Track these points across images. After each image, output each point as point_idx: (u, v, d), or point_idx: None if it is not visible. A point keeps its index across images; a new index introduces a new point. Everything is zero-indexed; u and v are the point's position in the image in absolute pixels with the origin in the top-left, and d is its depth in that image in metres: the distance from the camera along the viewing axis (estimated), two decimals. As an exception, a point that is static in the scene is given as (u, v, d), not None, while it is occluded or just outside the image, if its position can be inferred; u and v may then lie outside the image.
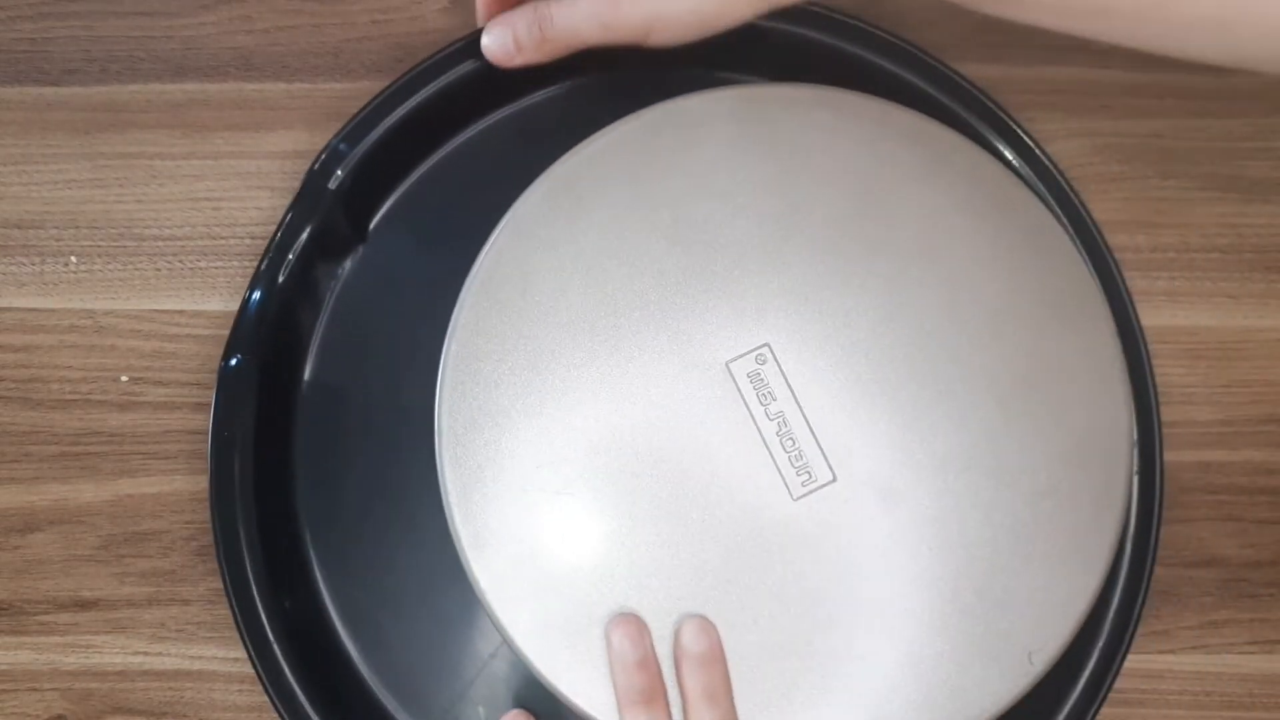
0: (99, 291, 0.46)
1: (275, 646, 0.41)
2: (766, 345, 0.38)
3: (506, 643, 0.37)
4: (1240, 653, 0.45)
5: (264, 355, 0.43)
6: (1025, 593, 0.37)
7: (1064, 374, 0.39)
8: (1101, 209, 0.47)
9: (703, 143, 0.40)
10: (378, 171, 0.45)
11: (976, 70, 0.47)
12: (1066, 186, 0.45)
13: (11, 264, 0.47)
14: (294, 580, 0.43)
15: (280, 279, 0.43)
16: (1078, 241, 0.43)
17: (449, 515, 0.37)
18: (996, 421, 0.38)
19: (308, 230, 0.43)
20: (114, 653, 0.45)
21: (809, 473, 0.37)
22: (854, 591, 0.37)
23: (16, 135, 0.47)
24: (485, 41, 0.41)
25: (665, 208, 0.39)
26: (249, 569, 0.42)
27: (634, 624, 0.36)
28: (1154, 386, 0.44)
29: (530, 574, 0.37)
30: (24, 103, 0.48)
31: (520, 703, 0.42)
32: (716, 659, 0.36)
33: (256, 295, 0.43)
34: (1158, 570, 0.45)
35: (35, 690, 0.44)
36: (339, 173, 0.43)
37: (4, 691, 0.44)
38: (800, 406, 0.38)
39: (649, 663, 0.36)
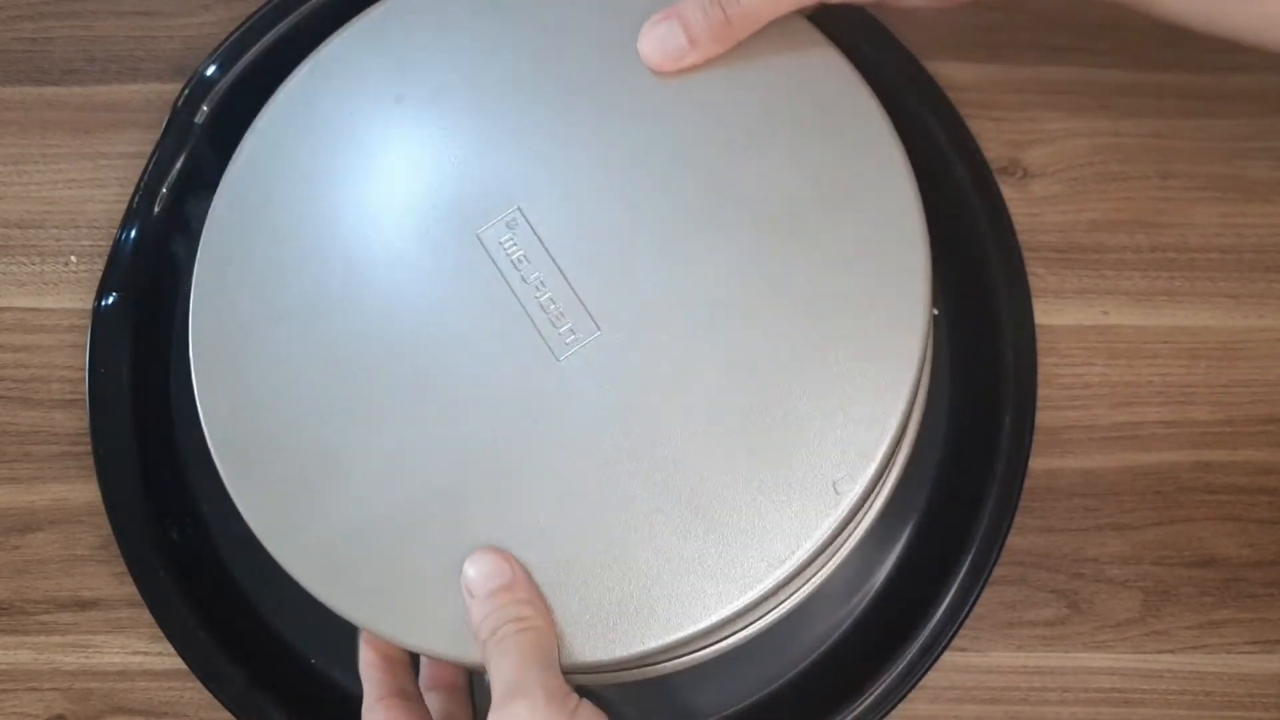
0: (99, 291, 0.46)
1: (161, 575, 0.42)
2: (517, 208, 0.36)
3: (279, 562, 0.35)
4: (1240, 653, 0.45)
5: (140, 292, 0.44)
6: (823, 417, 0.34)
7: (840, 182, 0.35)
8: (1101, 209, 0.47)
9: (430, 22, 0.39)
10: (245, 103, 0.44)
11: (976, 70, 0.47)
12: None
13: (11, 264, 0.47)
14: (180, 510, 0.44)
15: (153, 214, 0.44)
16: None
17: (208, 440, 0.36)
18: (768, 238, 0.35)
19: (177, 166, 0.44)
20: (114, 652, 0.45)
21: (572, 330, 0.35)
22: (639, 443, 0.34)
23: (16, 135, 0.48)
24: (645, 47, 0.36)
25: (394, 89, 0.38)
26: (134, 501, 0.42)
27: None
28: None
29: (294, 486, 0.35)
30: (24, 103, 0.48)
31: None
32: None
33: (130, 234, 0.44)
34: (1157, 570, 0.45)
35: (35, 690, 0.44)
36: (205, 108, 0.44)
37: (4, 691, 0.44)
38: (556, 263, 0.36)
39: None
